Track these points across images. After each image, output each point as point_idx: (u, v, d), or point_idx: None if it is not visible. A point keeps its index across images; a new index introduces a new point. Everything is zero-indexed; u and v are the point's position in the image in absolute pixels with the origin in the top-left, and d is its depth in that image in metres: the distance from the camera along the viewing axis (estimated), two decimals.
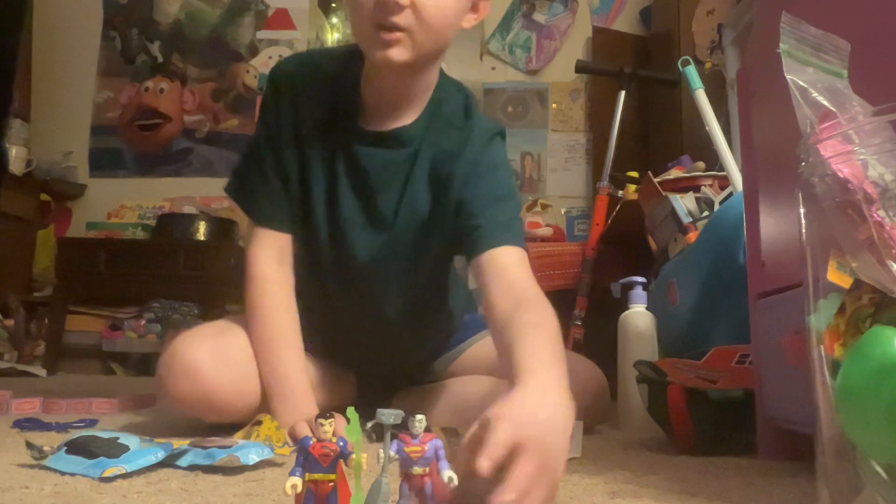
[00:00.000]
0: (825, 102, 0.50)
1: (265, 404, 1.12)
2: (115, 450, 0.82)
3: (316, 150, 1.17)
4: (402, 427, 0.58)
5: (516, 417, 0.63)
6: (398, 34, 1.02)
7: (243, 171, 1.23)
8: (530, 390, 0.72)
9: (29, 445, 0.86)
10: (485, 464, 0.57)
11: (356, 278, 1.22)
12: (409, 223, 1.18)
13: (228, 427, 1.10)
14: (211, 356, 1.12)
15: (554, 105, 3.77)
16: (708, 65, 2.78)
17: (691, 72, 2.02)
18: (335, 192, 1.18)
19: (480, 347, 1.39)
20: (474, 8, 1.11)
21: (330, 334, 1.31)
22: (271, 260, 1.17)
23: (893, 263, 0.45)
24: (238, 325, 1.19)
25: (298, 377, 1.13)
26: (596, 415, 1.27)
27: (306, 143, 1.17)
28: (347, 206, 1.18)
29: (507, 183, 1.17)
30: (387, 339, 1.29)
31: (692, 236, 1.67)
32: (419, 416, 0.57)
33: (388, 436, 0.57)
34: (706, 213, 1.75)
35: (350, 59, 1.17)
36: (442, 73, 1.20)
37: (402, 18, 1.02)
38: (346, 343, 1.32)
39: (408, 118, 1.17)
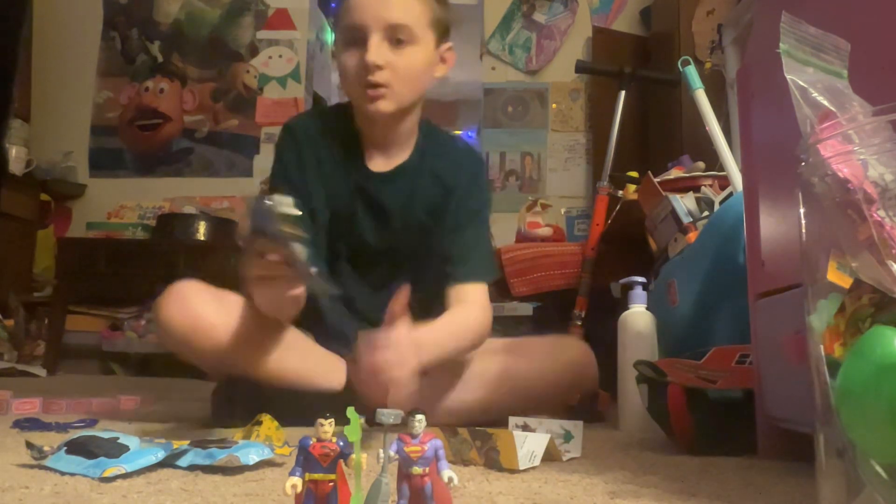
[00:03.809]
0: (825, 102, 0.50)
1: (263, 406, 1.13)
2: (115, 450, 0.82)
3: (334, 186, 1.37)
4: (401, 427, 0.58)
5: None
6: (381, 90, 1.28)
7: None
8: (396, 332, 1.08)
9: (29, 445, 0.86)
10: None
11: (371, 274, 1.41)
12: (413, 228, 1.40)
13: (225, 421, 1.12)
14: (199, 287, 1.24)
15: (554, 105, 3.77)
16: (708, 65, 2.78)
17: (691, 72, 2.02)
18: (355, 219, 1.38)
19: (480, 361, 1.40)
20: (442, 59, 1.37)
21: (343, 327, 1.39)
22: None
23: (893, 263, 0.45)
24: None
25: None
26: (583, 384, 1.47)
27: (326, 180, 1.37)
28: (367, 229, 1.39)
29: (483, 224, 1.43)
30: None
31: (692, 236, 1.67)
32: (419, 416, 0.57)
33: (388, 436, 0.57)
34: (706, 213, 1.75)
35: (345, 114, 1.40)
36: (423, 118, 1.43)
37: (382, 76, 1.27)
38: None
39: (403, 154, 1.40)
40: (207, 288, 1.25)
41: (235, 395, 1.30)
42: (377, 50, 1.26)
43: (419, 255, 1.40)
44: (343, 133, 1.39)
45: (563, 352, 1.47)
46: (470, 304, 1.31)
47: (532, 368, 1.39)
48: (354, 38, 1.28)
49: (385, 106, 1.29)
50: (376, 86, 1.27)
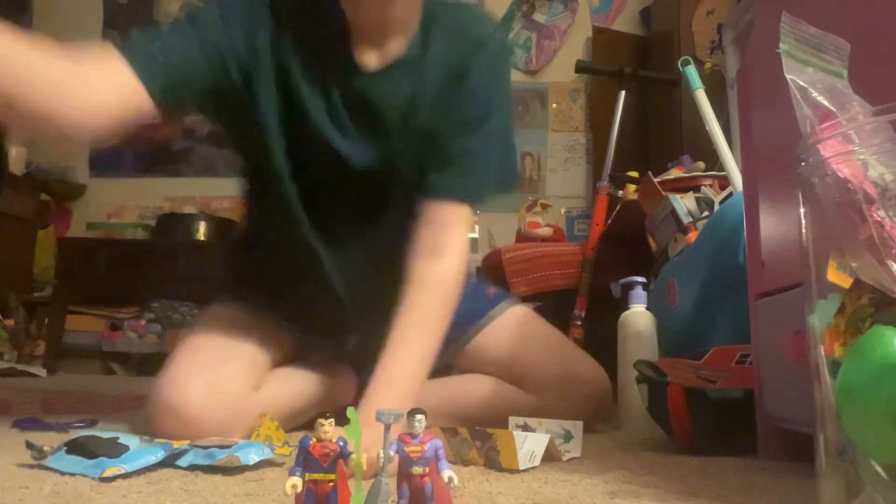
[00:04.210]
0: (825, 102, 0.50)
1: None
2: (115, 450, 0.82)
3: (307, 84, 1.10)
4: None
5: None
6: None
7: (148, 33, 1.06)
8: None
9: (29, 445, 0.86)
10: None
11: (356, 203, 1.18)
12: (415, 142, 1.13)
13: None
14: (202, 395, 1.08)
15: (554, 105, 3.77)
16: (708, 65, 2.78)
17: (691, 72, 2.01)
18: (340, 133, 1.12)
19: (489, 336, 1.33)
20: None
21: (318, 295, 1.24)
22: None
23: (893, 263, 0.45)
24: (237, 340, 1.19)
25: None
26: (596, 412, 1.29)
27: (293, 74, 1.10)
28: (356, 146, 1.13)
29: (495, 129, 1.14)
30: (381, 276, 1.14)
31: (692, 236, 1.67)
32: (419, 416, 0.57)
33: (388, 436, 0.57)
34: (706, 213, 1.75)
35: None
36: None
37: None
38: (338, 305, 1.25)
39: (397, 47, 1.12)
40: (205, 380, 1.10)
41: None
42: None
43: (420, 177, 1.13)
44: (324, 19, 1.11)
45: (578, 388, 1.26)
46: (428, 275, 1.06)
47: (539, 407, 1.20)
48: None
49: None
50: None
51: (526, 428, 1.03)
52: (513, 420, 1.06)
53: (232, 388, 1.13)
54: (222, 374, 1.13)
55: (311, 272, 1.21)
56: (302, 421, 1.23)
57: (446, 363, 1.37)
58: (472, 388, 1.31)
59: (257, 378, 1.19)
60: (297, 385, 1.27)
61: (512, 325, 1.35)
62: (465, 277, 1.23)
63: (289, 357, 1.30)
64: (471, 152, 1.12)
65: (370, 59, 1.12)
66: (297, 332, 1.30)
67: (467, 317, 1.32)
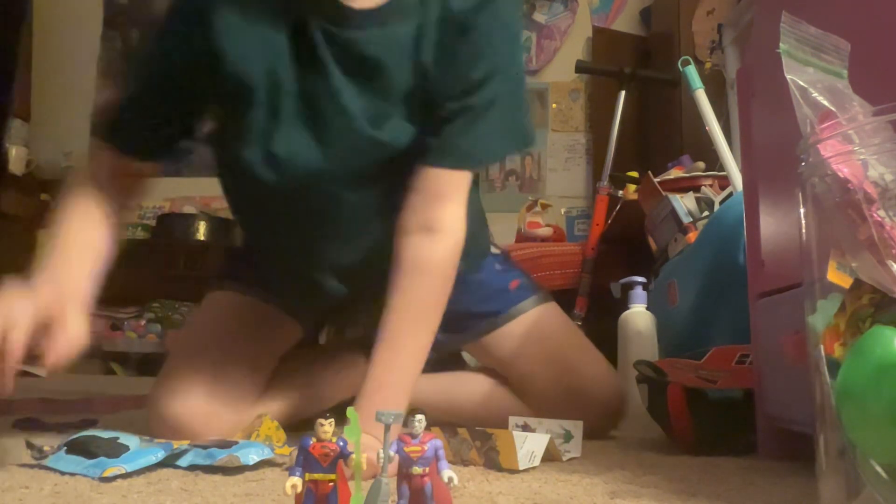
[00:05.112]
0: (825, 102, 0.50)
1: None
2: (115, 450, 0.82)
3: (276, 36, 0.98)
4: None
5: None
6: None
7: (122, 102, 1.07)
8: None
9: (29, 445, 0.86)
10: None
11: (358, 179, 1.04)
12: (416, 100, 1.01)
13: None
14: (204, 409, 1.05)
15: (554, 105, 3.77)
16: (708, 65, 2.78)
17: (691, 72, 2.02)
18: (325, 88, 0.99)
19: (503, 335, 1.24)
20: None
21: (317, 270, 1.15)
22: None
23: (893, 263, 0.45)
24: (237, 338, 1.15)
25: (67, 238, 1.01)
26: (603, 424, 1.21)
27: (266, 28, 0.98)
28: (349, 97, 0.99)
29: (502, 92, 1.00)
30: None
31: (692, 236, 1.67)
32: (419, 416, 0.57)
33: (388, 435, 0.57)
34: (706, 213, 1.75)
35: None
36: None
37: None
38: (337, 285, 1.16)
39: None
40: (205, 390, 1.07)
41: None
42: None
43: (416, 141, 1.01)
44: None
45: (581, 404, 1.15)
46: (419, 259, 0.96)
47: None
48: None
49: None
50: None
51: (526, 428, 1.03)
52: (513, 420, 1.06)
53: (234, 396, 1.09)
54: (224, 382, 1.09)
55: (305, 253, 1.13)
56: (308, 414, 1.17)
57: (451, 351, 1.32)
58: (470, 386, 1.30)
59: (261, 381, 1.17)
60: (306, 380, 1.24)
61: (524, 331, 1.24)
62: (485, 261, 1.14)
63: (294, 342, 1.25)
64: (474, 110, 0.98)
65: (355, 1, 0.97)
66: (298, 313, 1.23)
67: (483, 314, 1.25)
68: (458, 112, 0.98)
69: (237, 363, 1.13)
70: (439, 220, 0.97)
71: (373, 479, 0.57)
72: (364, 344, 1.25)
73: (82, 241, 1.01)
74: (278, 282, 1.20)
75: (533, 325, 1.25)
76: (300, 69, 0.99)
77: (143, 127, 1.05)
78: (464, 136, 0.98)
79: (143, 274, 3.03)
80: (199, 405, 1.05)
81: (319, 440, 0.55)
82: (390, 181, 1.01)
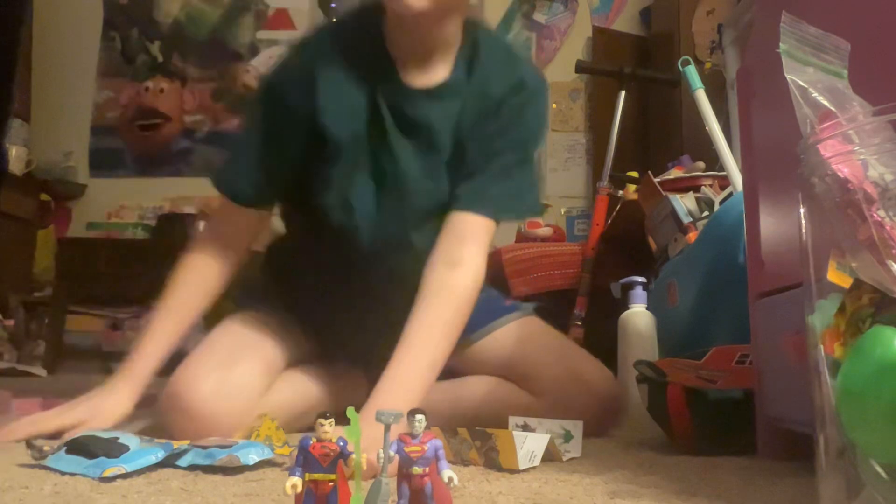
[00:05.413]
0: (825, 102, 0.50)
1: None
2: (115, 450, 0.82)
3: (357, 106, 1.16)
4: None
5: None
6: None
7: (234, 158, 1.25)
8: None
9: (29, 445, 0.86)
10: None
11: (410, 228, 1.22)
12: (453, 160, 1.20)
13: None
14: (214, 393, 1.09)
15: (554, 105, 3.77)
16: (708, 65, 2.78)
17: (691, 72, 2.02)
18: (389, 149, 1.18)
19: (493, 340, 1.32)
20: None
21: (349, 314, 1.28)
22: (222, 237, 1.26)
23: (893, 263, 0.45)
24: (251, 341, 1.20)
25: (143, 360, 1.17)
26: (604, 415, 1.24)
27: (345, 98, 1.16)
28: (407, 155, 1.18)
29: (519, 163, 1.19)
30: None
31: (692, 236, 1.67)
32: (419, 416, 0.57)
33: (388, 435, 0.57)
34: (706, 213, 1.75)
35: (367, 18, 1.18)
36: (471, 22, 1.20)
37: None
38: (365, 323, 1.27)
39: (442, 70, 1.18)
40: (217, 378, 1.12)
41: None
42: None
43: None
44: (368, 44, 1.17)
45: (583, 389, 1.22)
46: (443, 287, 1.09)
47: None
48: None
49: (416, 2, 1.06)
50: None
51: (526, 428, 1.03)
52: (513, 420, 1.06)
53: (243, 387, 1.13)
54: (235, 372, 1.14)
55: (347, 287, 1.26)
56: (309, 421, 1.22)
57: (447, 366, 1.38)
58: (472, 386, 1.31)
59: (270, 378, 1.20)
60: (307, 387, 1.26)
61: (515, 330, 1.33)
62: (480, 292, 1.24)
63: (305, 358, 1.30)
64: (497, 172, 1.17)
65: (416, 81, 1.17)
66: (317, 335, 1.31)
67: (472, 324, 1.28)
68: (484, 170, 1.16)
69: (249, 360, 1.17)
70: (462, 257, 1.12)
71: (373, 479, 0.57)
72: (366, 362, 1.28)
73: (176, 318, 1.28)
74: (307, 305, 1.28)
75: (523, 324, 1.35)
76: (371, 131, 1.17)
77: (260, 180, 1.20)
78: (489, 188, 1.16)
79: (143, 274, 3.02)
80: (207, 393, 1.09)
81: (319, 440, 0.55)
82: (436, 224, 1.16)
